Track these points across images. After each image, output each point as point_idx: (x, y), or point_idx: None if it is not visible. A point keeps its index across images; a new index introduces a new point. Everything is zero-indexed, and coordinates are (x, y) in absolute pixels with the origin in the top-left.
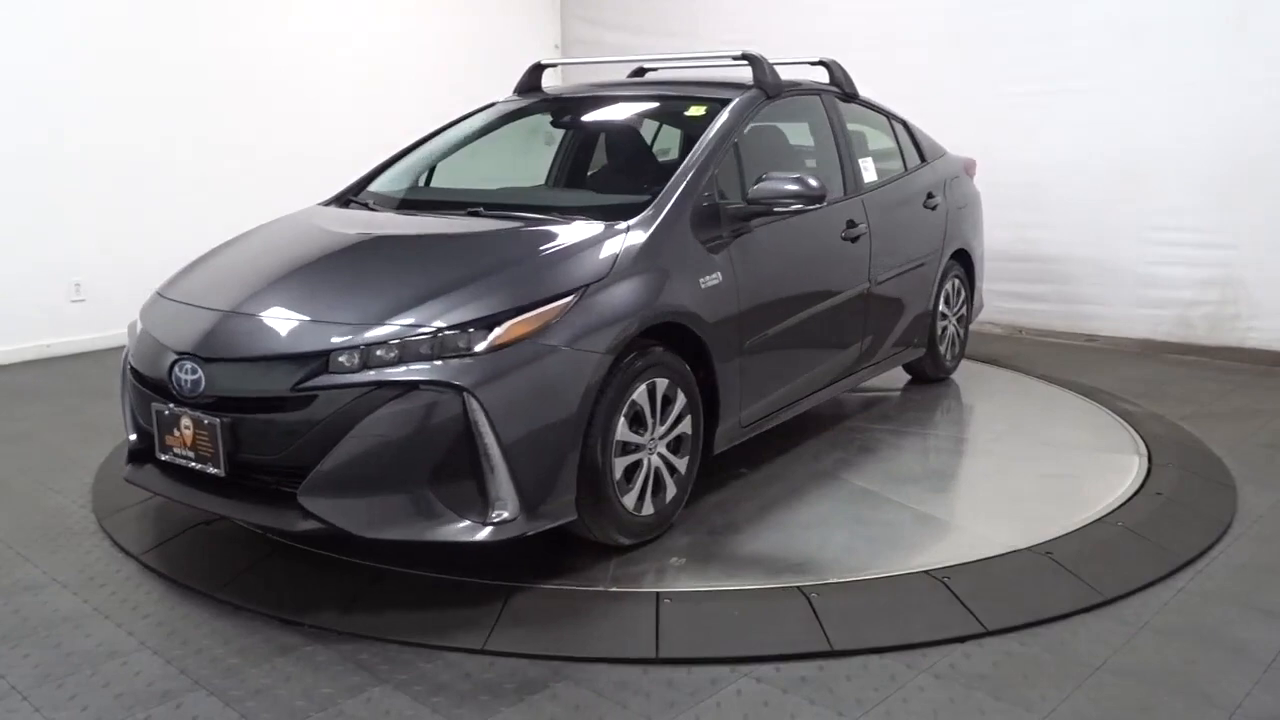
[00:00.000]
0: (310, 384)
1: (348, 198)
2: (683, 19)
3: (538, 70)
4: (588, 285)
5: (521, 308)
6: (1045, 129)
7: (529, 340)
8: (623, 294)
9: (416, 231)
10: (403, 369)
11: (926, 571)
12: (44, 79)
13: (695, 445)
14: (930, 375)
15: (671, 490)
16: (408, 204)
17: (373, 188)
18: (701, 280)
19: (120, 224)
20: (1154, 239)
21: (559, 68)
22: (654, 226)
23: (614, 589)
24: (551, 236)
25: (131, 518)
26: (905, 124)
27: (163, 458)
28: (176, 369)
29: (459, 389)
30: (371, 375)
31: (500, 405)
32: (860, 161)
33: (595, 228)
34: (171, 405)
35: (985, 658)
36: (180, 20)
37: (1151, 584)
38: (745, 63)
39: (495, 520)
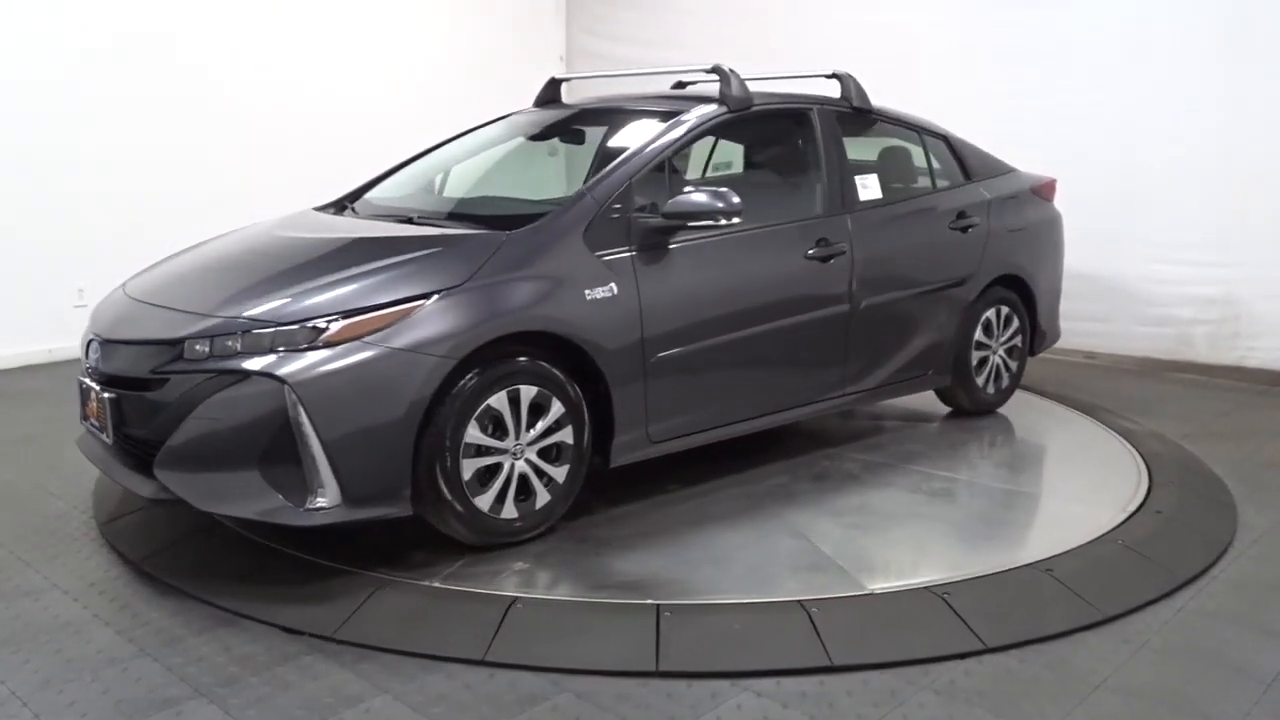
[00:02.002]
0: (165, 368)
1: (343, 203)
2: (689, 32)
3: (555, 84)
4: (439, 291)
5: (358, 309)
6: (1047, 146)
7: (363, 340)
8: (477, 301)
9: (332, 235)
10: (241, 359)
11: (927, 587)
12: (47, 86)
13: (578, 455)
14: (967, 408)
15: (543, 497)
16: (378, 210)
17: (371, 194)
18: (588, 292)
19: (123, 230)
20: (1155, 257)
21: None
22: (536, 237)
23: (463, 588)
24: (428, 243)
25: (132, 524)
26: (947, 140)
27: (84, 424)
28: (90, 348)
29: (281, 381)
30: (213, 363)
31: (320, 399)
32: (857, 179)
33: (476, 236)
34: (87, 379)
35: (985, 675)
36: (186, 31)
37: (1151, 602)
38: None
39: (315, 506)
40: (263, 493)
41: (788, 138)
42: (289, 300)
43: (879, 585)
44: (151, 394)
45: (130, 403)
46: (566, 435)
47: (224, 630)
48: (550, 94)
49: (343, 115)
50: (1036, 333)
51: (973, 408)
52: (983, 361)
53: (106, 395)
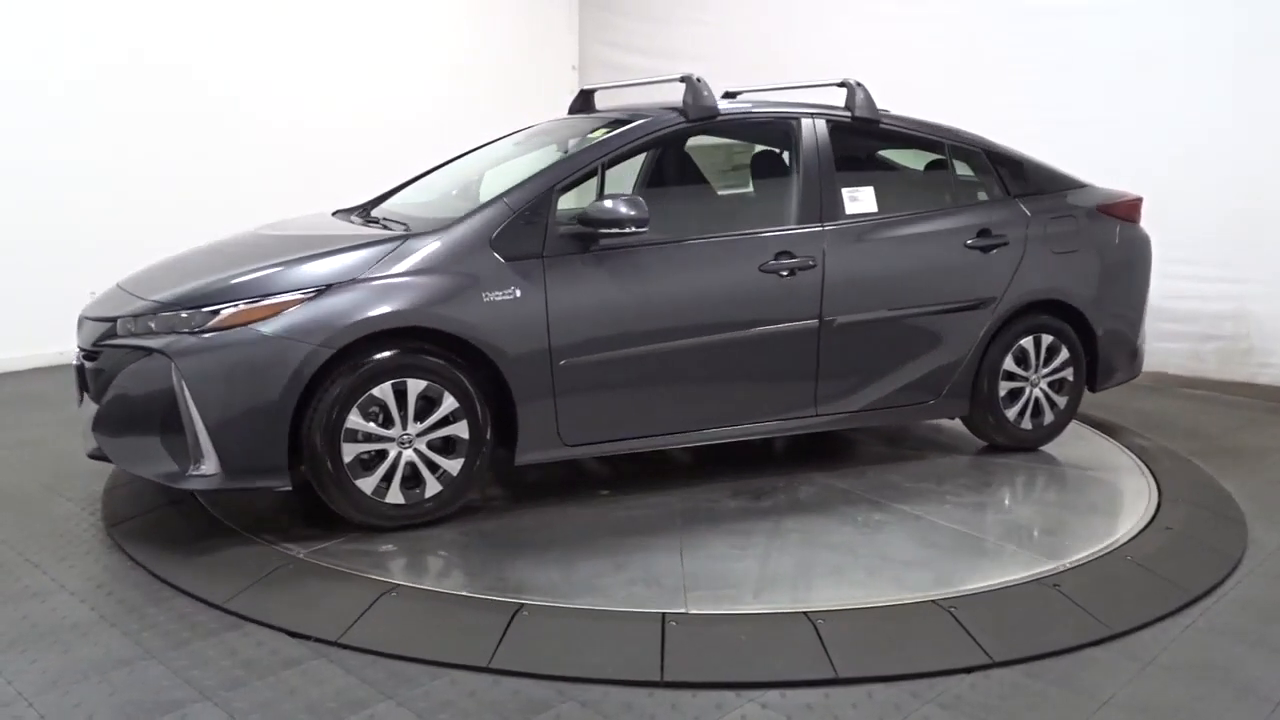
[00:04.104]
0: (102, 342)
1: (363, 207)
2: (699, 42)
3: (586, 95)
4: (329, 285)
5: (249, 298)
6: (1057, 161)
7: (247, 326)
8: (362, 296)
9: (294, 234)
10: (150, 338)
11: (933, 601)
12: (57, 90)
13: (474, 450)
14: (1001, 443)
15: (434, 487)
16: (383, 213)
17: (395, 198)
18: (487, 294)
19: (134, 233)
20: (1166, 273)
21: (571, 89)
22: (438, 239)
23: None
24: (340, 241)
25: (140, 526)
26: (987, 152)
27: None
28: (78, 324)
29: (169, 358)
30: (131, 340)
31: (201, 376)
32: (847, 190)
33: (381, 237)
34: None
35: (991, 689)
36: (197, 38)
37: (1160, 619)
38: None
39: (197, 473)
40: (160, 457)
41: (767, 147)
42: (200, 287)
43: (703, 609)
44: (93, 364)
45: (87, 371)
46: (461, 430)
47: (230, 634)
48: (582, 104)
49: (359, 124)
50: (1098, 366)
51: (1008, 443)
52: (1015, 393)
53: (74, 363)
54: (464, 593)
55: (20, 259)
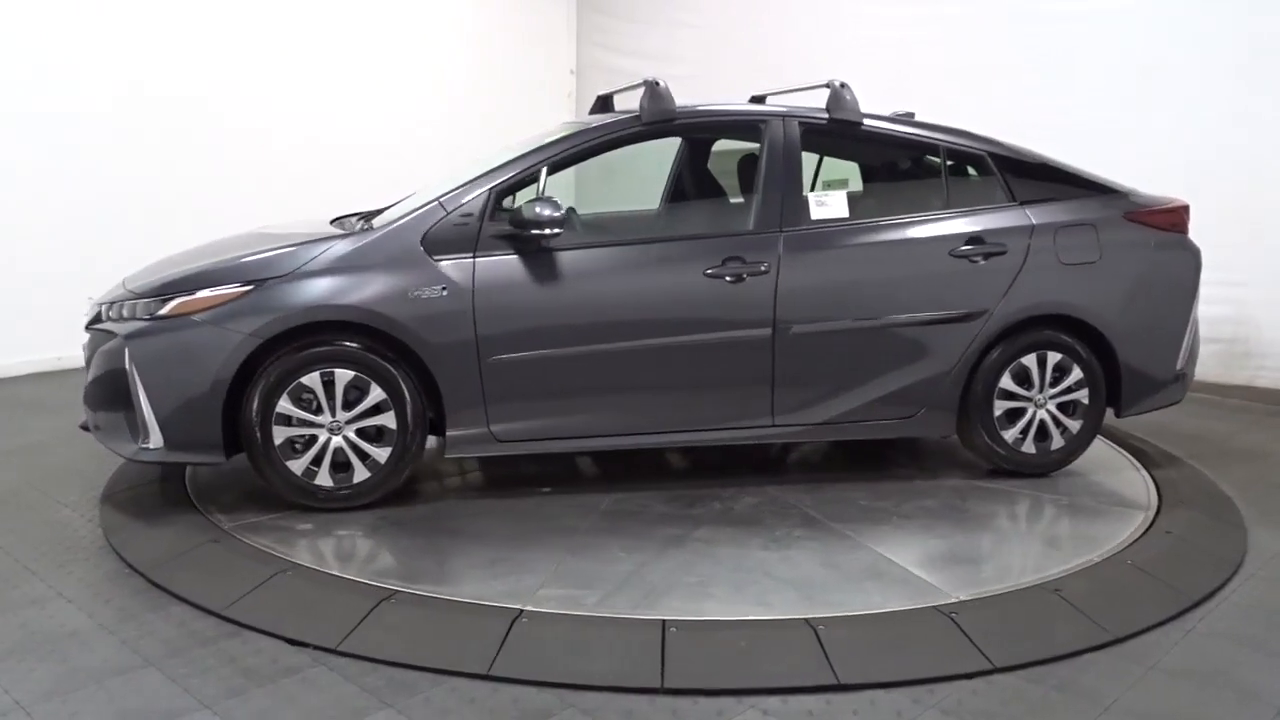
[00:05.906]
0: (90, 326)
1: (366, 215)
2: (694, 46)
3: (604, 99)
4: (265, 280)
5: (195, 290)
6: None
7: (190, 315)
8: (292, 291)
9: (272, 234)
10: (117, 324)
11: (935, 607)
12: (59, 102)
13: (402, 440)
14: (1004, 467)
15: (361, 473)
16: (366, 220)
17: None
18: (414, 291)
19: (132, 239)
20: None
21: (569, 93)
22: (369, 239)
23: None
24: (291, 240)
25: (139, 533)
26: (994, 156)
27: None
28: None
29: (124, 341)
30: (106, 324)
31: (145, 358)
32: (814, 195)
33: (322, 236)
34: None
35: (993, 695)
36: (197, 48)
37: (1161, 624)
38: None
39: (146, 447)
40: (123, 433)
41: (745, 152)
42: (161, 280)
43: (542, 608)
44: (85, 344)
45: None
46: (389, 420)
47: (229, 641)
48: (601, 108)
49: (364, 134)
50: (1122, 388)
51: (1011, 467)
52: (1015, 414)
53: (83, 342)
54: (379, 582)
55: (19, 266)
